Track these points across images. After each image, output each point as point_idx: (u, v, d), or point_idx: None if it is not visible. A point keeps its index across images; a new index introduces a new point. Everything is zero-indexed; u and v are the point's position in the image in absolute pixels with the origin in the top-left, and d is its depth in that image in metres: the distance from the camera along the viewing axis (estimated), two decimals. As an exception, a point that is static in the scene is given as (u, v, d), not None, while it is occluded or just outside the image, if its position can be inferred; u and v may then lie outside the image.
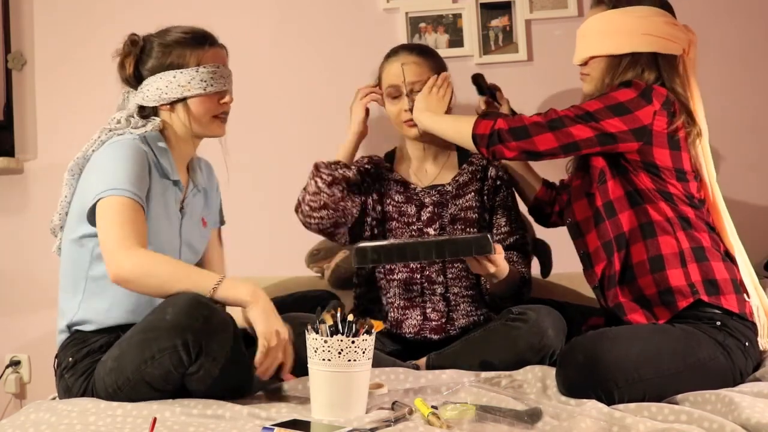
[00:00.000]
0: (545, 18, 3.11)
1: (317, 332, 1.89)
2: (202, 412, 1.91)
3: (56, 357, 2.19)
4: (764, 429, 1.71)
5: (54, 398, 2.15)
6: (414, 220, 2.57)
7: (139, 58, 2.24)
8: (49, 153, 3.21)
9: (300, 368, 2.11)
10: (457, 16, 3.14)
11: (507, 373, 2.17)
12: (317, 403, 1.89)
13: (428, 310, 2.52)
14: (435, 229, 2.55)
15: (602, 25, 2.31)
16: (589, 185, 2.29)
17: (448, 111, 2.54)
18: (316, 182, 2.46)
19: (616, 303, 2.23)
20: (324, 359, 1.86)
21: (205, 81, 2.21)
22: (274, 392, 2.08)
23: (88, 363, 2.11)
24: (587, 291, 2.44)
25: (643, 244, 2.21)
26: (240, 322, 2.06)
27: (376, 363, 2.04)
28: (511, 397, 1.97)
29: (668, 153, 2.21)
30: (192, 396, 1.99)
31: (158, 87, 2.21)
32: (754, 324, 2.17)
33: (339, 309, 1.92)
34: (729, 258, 2.24)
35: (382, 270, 2.57)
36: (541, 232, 2.79)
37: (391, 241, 2.30)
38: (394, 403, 1.92)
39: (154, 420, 1.76)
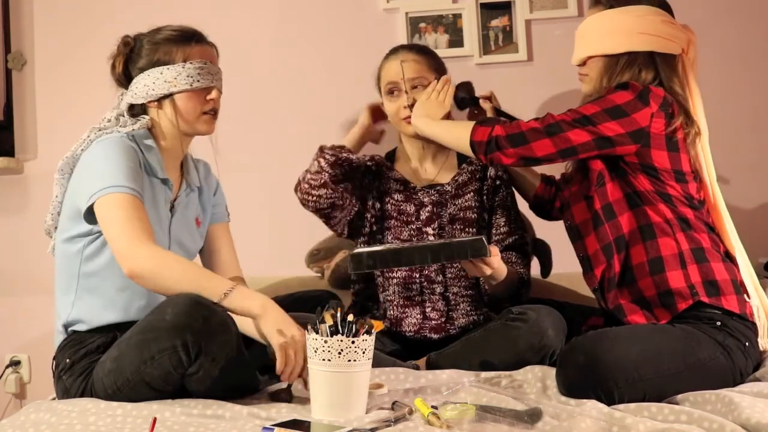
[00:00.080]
0: (545, 18, 3.11)
1: (317, 332, 1.89)
2: (202, 412, 1.90)
3: (54, 358, 2.19)
4: (764, 429, 1.71)
5: (54, 398, 2.15)
6: (413, 219, 2.57)
7: (130, 58, 2.25)
8: (49, 153, 3.21)
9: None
10: (457, 16, 3.14)
11: (507, 373, 2.17)
12: (317, 404, 1.89)
13: (428, 309, 2.52)
14: (434, 229, 2.55)
15: (599, 25, 2.31)
16: (587, 188, 2.29)
17: (449, 115, 2.53)
18: (319, 162, 2.49)
19: (616, 305, 2.23)
20: (324, 359, 1.86)
21: (192, 77, 2.20)
22: (277, 392, 2.08)
23: (85, 364, 2.11)
24: (587, 291, 2.44)
25: (642, 246, 2.20)
26: (252, 332, 2.06)
27: (376, 363, 2.04)
28: (511, 397, 1.97)
29: (666, 155, 2.21)
30: (192, 396, 1.99)
31: (146, 84, 2.21)
32: (754, 324, 2.17)
33: (339, 309, 1.92)
34: (729, 258, 2.24)
35: (383, 270, 2.57)
36: (541, 232, 2.79)
37: (387, 246, 2.31)
38: (394, 403, 1.92)
39: (154, 420, 1.76)
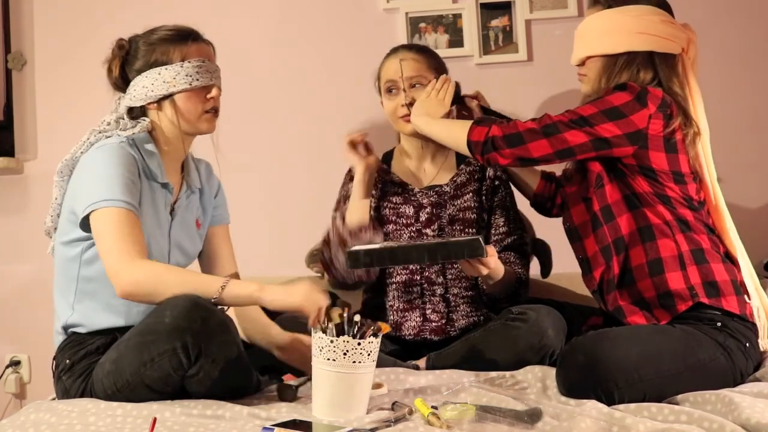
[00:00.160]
0: (545, 18, 3.11)
1: (324, 331, 1.89)
2: (202, 412, 1.90)
3: (54, 359, 2.19)
4: (764, 429, 1.71)
5: (53, 399, 2.15)
6: (412, 221, 2.57)
7: (126, 60, 2.23)
8: (49, 153, 3.20)
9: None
10: (457, 16, 3.14)
11: (507, 373, 2.17)
12: (318, 403, 1.89)
13: (428, 311, 2.51)
14: (433, 230, 2.55)
15: (598, 24, 2.30)
16: (585, 190, 2.29)
17: (449, 114, 2.53)
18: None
19: (615, 307, 2.22)
20: (329, 359, 1.86)
21: (191, 76, 2.19)
22: (283, 390, 2.08)
23: (85, 365, 2.11)
24: (587, 291, 2.43)
25: (642, 247, 2.20)
26: (252, 335, 2.06)
27: (377, 363, 2.03)
28: (511, 397, 1.97)
29: (664, 156, 2.20)
30: (192, 397, 1.99)
31: (144, 85, 2.19)
32: (754, 325, 2.16)
33: (346, 309, 1.92)
34: (729, 259, 2.24)
35: (384, 273, 2.56)
36: (541, 232, 2.79)
37: (384, 244, 2.30)
38: (394, 404, 1.92)
39: (154, 420, 1.76)
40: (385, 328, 1.94)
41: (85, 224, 2.08)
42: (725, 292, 2.14)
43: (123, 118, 2.23)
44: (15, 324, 3.26)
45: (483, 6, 3.13)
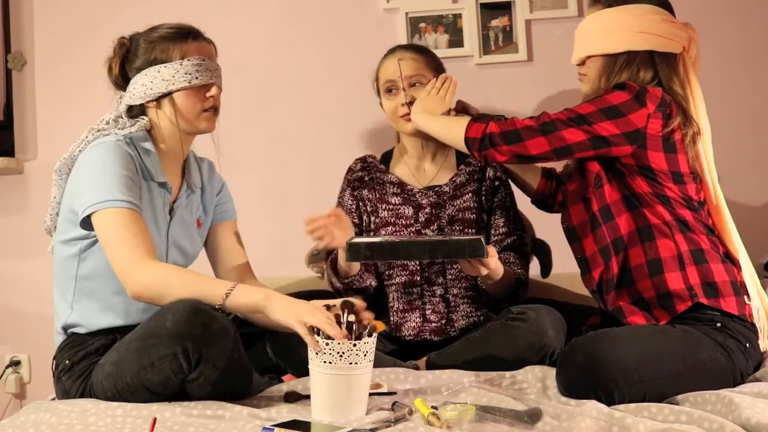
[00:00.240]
0: (545, 18, 3.11)
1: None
2: (202, 412, 1.90)
3: (54, 359, 2.19)
4: (764, 429, 1.71)
5: (53, 399, 2.15)
6: (412, 221, 2.56)
7: (126, 59, 2.23)
8: (49, 153, 3.20)
9: (300, 368, 2.11)
10: (457, 16, 3.14)
11: (507, 373, 2.16)
12: (317, 405, 1.88)
13: (428, 312, 2.51)
14: (433, 230, 2.55)
15: (598, 24, 2.30)
16: (584, 190, 2.29)
17: (449, 113, 2.53)
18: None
19: (615, 307, 2.22)
20: (325, 362, 1.86)
21: (190, 74, 2.18)
22: (274, 393, 2.08)
23: (85, 365, 2.11)
24: (587, 291, 2.43)
25: (641, 247, 2.20)
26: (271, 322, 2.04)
27: (376, 363, 2.03)
28: (511, 397, 1.97)
29: (663, 156, 2.20)
30: (192, 400, 1.98)
31: (143, 83, 2.19)
32: (754, 325, 2.16)
33: (346, 311, 1.91)
34: (729, 260, 2.23)
35: (384, 275, 2.56)
36: (541, 232, 2.79)
37: (385, 238, 2.30)
38: (394, 404, 1.92)
39: (154, 420, 1.76)
40: (380, 326, 1.93)
41: (85, 223, 2.08)
42: (724, 292, 2.14)
43: (122, 117, 2.22)
44: (15, 324, 3.26)
45: (483, 6, 3.13)
